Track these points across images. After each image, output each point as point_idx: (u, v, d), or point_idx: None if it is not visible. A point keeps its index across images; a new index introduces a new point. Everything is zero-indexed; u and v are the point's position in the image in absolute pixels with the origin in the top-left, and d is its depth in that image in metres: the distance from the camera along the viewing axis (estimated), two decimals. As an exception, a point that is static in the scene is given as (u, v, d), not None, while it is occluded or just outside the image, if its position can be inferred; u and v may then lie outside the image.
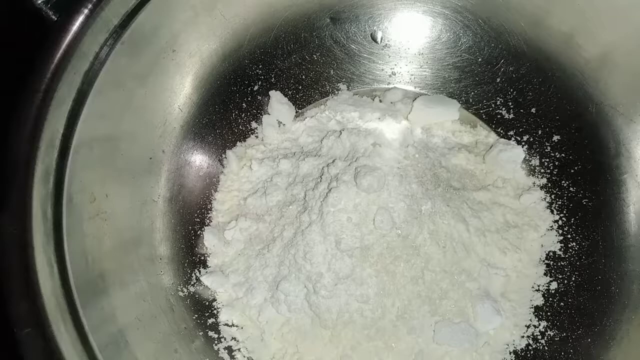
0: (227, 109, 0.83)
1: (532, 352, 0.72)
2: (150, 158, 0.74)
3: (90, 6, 0.62)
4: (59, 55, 0.60)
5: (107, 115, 0.66)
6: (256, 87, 0.84)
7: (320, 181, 0.72)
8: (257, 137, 0.85)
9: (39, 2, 0.64)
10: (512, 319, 0.72)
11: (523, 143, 0.81)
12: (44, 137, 0.57)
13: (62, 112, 0.60)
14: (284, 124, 0.84)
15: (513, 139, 0.82)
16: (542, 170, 0.80)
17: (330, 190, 0.69)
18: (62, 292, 0.55)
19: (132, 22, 0.66)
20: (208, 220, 0.79)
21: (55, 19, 0.64)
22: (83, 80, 0.62)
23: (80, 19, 0.61)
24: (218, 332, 0.72)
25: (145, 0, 0.66)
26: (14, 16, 0.69)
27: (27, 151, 0.55)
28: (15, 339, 0.49)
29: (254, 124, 0.85)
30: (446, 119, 0.83)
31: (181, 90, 0.78)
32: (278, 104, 0.83)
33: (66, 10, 0.62)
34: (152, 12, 0.67)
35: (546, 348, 0.71)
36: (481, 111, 0.84)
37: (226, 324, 0.73)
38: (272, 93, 0.83)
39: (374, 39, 0.85)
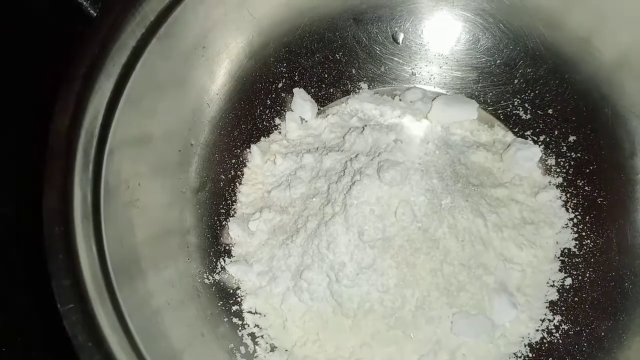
0: (252, 105, 0.86)
1: (546, 344, 0.73)
2: (180, 150, 0.77)
3: (129, 2, 0.65)
4: (99, 47, 0.63)
5: (141, 107, 0.69)
6: (280, 85, 0.87)
7: (344, 175, 0.74)
8: (280, 132, 0.87)
9: (80, -3, 0.67)
10: (528, 313, 0.74)
11: (539, 143, 0.83)
12: (85, 124, 0.60)
13: (101, 102, 0.63)
14: (306, 121, 0.87)
15: (530, 138, 0.84)
16: (558, 170, 0.82)
17: (354, 183, 0.71)
18: (101, 273, 0.57)
19: (168, 18, 0.69)
20: (233, 212, 0.81)
21: (95, 14, 0.68)
22: (121, 72, 0.65)
23: (119, 13, 0.64)
24: (242, 319, 0.75)
25: (181, -3, 0.69)
26: (55, 11, 0.72)
27: (70, 136, 0.58)
28: (59, 314, 0.51)
29: (277, 120, 0.87)
30: (465, 119, 0.85)
31: (209, 85, 0.81)
32: (301, 101, 0.85)
33: (106, 6, 0.65)
34: (186, 9, 0.70)
35: (560, 341, 0.73)
36: (499, 111, 0.86)
37: (249, 312, 0.75)
38: (295, 90, 0.86)
39: (395, 40, 0.88)
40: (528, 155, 0.80)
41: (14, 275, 0.84)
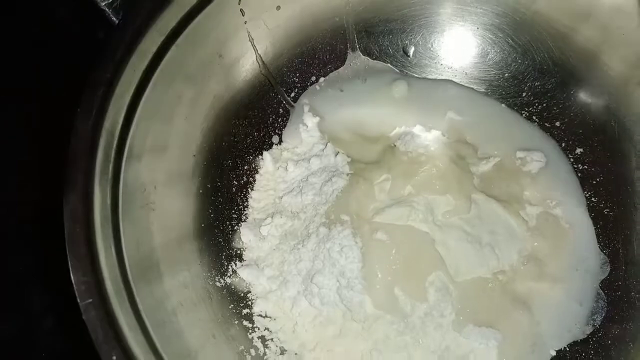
0: (265, 113, 0.87)
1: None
2: (194, 155, 0.78)
3: (150, 10, 0.67)
4: (120, 53, 0.65)
5: (159, 111, 0.70)
6: (293, 94, 0.89)
7: (355, 181, 0.76)
8: (292, 141, 0.89)
9: (103, 3, 0.69)
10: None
11: (547, 155, 0.85)
12: (106, 127, 0.62)
13: (121, 106, 0.64)
14: (318, 129, 0.88)
15: (537, 150, 0.86)
16: (565, 181, 0.83)
17: (365, 189, 0.73)
18: (119, 272, 0.59)
19: (187, 27, 0.71)
20: (245, 217, 0.83)
21: (117, 21, 0.70)
22: (141, 77, 0.66)
23: (141, 21, 0.66)
24: (252, 322, 0.76)
25: (200, 6, 0.71)
26: (78, 18, 0.74)
27: (92, 138, 0.60)
28: (79, 309, 0.52)
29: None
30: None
31: (224, 93, 0.82)
32: (314, 110, 0.87)
33: (128, 14, 0.67)
34: (205, 18, 0.72)
35: (567, 349, 0.74)
36: (507, 123, 0.88)
37: (260, 315, 0.76)
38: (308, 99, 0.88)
39: (406, 53, 0.90)
40: (536, 166, 0.82)
41: (22, 280, 0.84)
